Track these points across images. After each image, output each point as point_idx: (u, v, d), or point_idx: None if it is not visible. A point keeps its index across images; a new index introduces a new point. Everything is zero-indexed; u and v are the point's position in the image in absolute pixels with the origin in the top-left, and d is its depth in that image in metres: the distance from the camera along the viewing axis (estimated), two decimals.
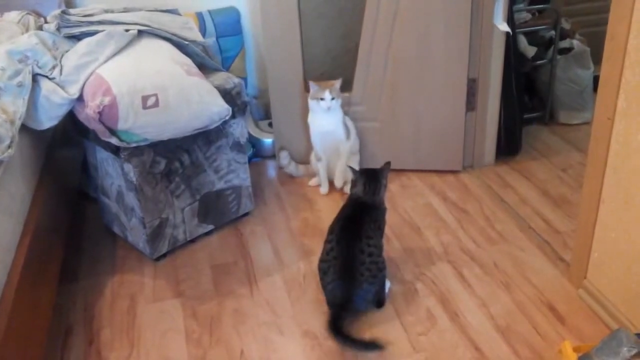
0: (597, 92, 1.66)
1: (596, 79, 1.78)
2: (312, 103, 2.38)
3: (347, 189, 2.42)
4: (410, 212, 2.36)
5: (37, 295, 1.61)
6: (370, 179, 1.88)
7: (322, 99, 2.32)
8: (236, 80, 2.13)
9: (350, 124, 2.50)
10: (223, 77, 2.12)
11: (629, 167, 1.57)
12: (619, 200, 1.63)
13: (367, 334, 1.76)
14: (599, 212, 1.72)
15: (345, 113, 2.50)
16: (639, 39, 1.47)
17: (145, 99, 1.80)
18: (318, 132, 2.44)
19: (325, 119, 2.39)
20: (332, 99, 2.32)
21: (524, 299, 1.86)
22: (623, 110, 1.56)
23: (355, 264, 1.73)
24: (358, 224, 1.79)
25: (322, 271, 1.81)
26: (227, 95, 2.05)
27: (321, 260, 1.83)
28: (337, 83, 2.36)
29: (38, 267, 1.65)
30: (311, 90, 2.36)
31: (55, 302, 1.77)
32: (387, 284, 1.88)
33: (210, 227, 2.24)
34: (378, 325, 1.79)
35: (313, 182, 2.59)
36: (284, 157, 2.64)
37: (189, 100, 1.89)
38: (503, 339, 1.71)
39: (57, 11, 1.96)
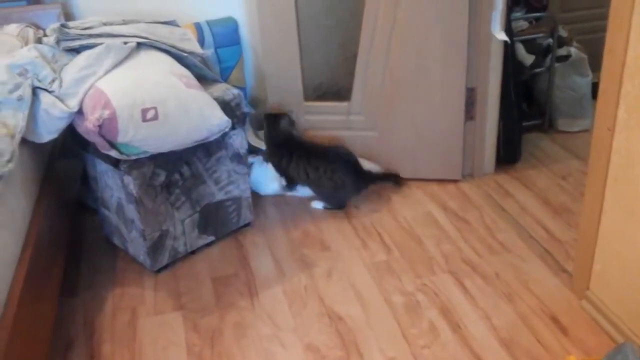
0: (597, 102, 1.66)
1: (595, 86, 1.78)
2: None
3: None
4: (411, 221, 2.35)
5: (39, 310, 1.60)
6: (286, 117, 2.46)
7: None
8: (235, 91, 2.12)
9: None
10: (222, 89, 2.12)
11: (631, 178, 1.57)
12: (621, 212, 1.62)
13: (370, 347, 1.75)
14: (601, 224, 1.71)
15: (344, 122, 2.49)
16: (637, 51, 1.48)
17: (144, 112, 1.79)
18: None
19: None
20: None
21: (526, 310, 1.85)
22: (624, 121, 1.56)
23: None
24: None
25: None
26: (227, 106, 2.05)
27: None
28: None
29: (39, 280, 1.64)
30: None
31: (55, 316, 1.76)
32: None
33: (211, 238, 2.24)
34: (381, 339, 1.78)
35: None
36: None
37: (189, 112, 1.88)
38: (506, 352, 1.70)
39: (56, 24, 1.96)
